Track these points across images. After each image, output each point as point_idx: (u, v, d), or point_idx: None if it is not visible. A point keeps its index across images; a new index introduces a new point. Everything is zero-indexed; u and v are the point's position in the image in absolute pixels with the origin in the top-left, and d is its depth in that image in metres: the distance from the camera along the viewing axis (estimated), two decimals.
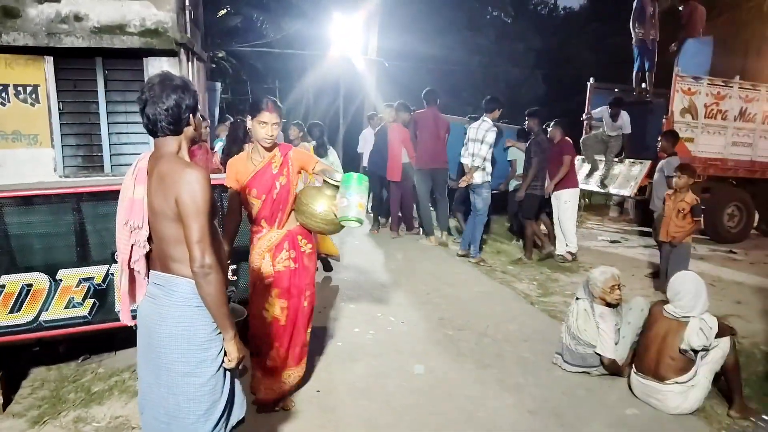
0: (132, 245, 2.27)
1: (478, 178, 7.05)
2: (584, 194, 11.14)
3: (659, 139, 7.14)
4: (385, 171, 8.52)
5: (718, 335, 3.49)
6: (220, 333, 2.19)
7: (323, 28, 16.15)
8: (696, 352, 3.45)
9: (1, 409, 3.58)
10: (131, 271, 2.32)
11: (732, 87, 9.31)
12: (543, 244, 7.68)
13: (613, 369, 3.92)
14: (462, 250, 7.52)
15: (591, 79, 10.94)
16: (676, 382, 3.45)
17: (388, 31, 16.04)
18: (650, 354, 3.60)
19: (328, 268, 6.28)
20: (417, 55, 18.22)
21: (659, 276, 6.26)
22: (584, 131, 10.54)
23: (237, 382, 2.35)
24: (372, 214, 9.09)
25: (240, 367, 2.25)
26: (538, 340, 4.65)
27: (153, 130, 2.16)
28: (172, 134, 2.16)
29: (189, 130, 2.22)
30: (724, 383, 3.65)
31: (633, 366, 3.77)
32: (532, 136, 7.36)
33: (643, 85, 10.39)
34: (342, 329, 4.87)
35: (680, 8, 9.92)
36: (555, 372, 4.09)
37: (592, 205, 12.44)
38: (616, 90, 10.99)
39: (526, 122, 7.41)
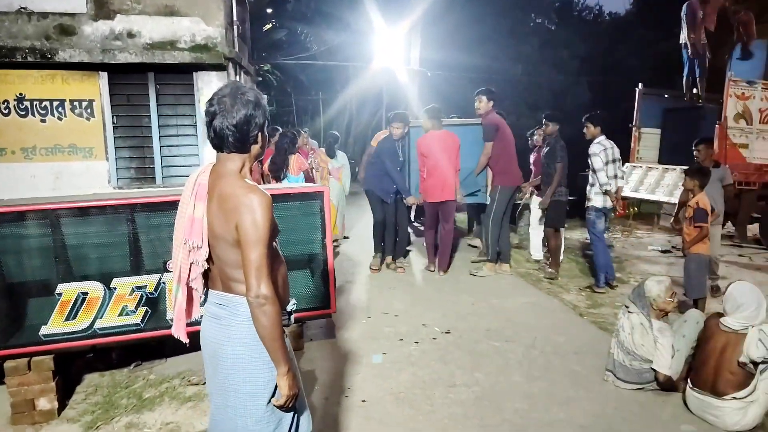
0: (191, 264, 2.20)
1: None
2: (633, 203, 10.89)
3: (696, 147, 6.27)
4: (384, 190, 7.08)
5: None
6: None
7: (366, 40, 16.33)
8: (756, 365, 3.31)
9: (56, 413, 3.68)
10: (189, 288, 2.28)
11: None
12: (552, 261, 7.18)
13: (668, 385, 3.79)
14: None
15: (640, 84, 10.70)
16: (735, 398, 3.30)
17: (430, 41, 16.07)
18: (708, 369, 3.47)
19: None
20: (459, 64, 18.20)
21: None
22: (632, 139, 10.32)
23: (303, 395, 2.27)
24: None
25: (289, 404, 2.10)
26: (588, 352, 4.54)
27: (219, 144, 2.07)
28: (237, 151, 2.06)
29: (255, 149, 2.11)
30: None
31: (689, 381, 3.63)
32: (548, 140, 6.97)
33: (695, 90, 10.11)
34: (387, 339, 4.86)
35: (732, 13, 9.64)
36: (606, 386, 3.98)
37: (642, 213, 12.10)
38: (666, 96, 10.74)
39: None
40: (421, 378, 4.12)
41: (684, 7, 9.75)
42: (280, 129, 9.68)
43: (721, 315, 3.60)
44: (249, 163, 2.11)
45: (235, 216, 1.97)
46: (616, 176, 6.30)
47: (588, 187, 6.41)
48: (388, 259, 7.29)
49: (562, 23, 26.26)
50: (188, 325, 2.40)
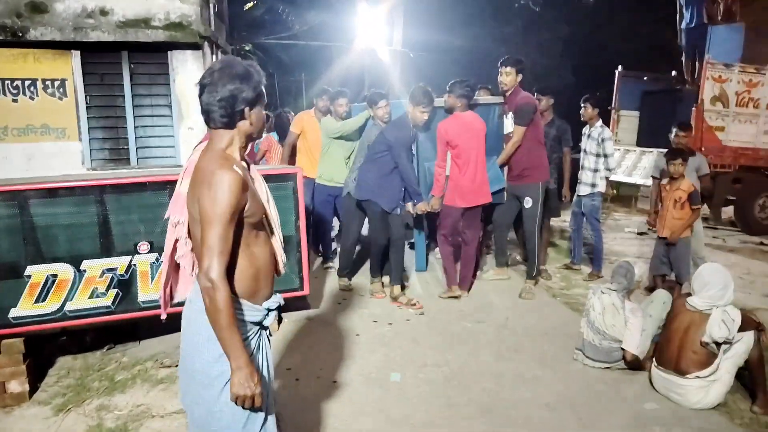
0: (176, 240, 2.19)
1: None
2: (612, 185, 11.00)
3: (682, 131, 6.04)
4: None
5: (743, 329, 3.41)
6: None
7: (348, 19, 16.16)
8: (718, 344, 3.38)
9: (27, 396, 3.67)
10: (177, 265, 2.27)
11: (765, 74, 9.07)
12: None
13: (635, 365, 3.86)
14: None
15: (619, 67, 10.74)
16: (698, 377, 3.38)
17: (413, 21, 15.96)
18: (672, 348, 3.54)
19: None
20: (442, 45, 18.08)
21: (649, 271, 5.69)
22: (611, 122, 10.38)
23: (269, 399, 2.09)
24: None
25: (243, 405, 1.91)
26: (558, 333, 4.61)
27: (206, 120, 2.00)
28: (224, 127, 1.97)
29: (244, 125, 2.00)
30: (748, 378, 3.57)
31: (654, 360, 3.71)
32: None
33: (673, 73, 10.22)
34: (361, 321, 4.90)
35: None
36: (574, 366, 4.05)
37: (620, 196, 12.23)
38: (645, 78, 10.80)
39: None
40: (392, 359, 4.16)
41: None
42: (276, 110, 9.68)
43: (689, 295, 3.67)
44: (238, 140, 2.01)
45: (199, 191, 1.89)
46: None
47: (589, 173, 6.20)
48: (395, 289, 5.46)
49: (546, 5, 26.18)
50: (158, 306, 2.37)
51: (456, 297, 5.43)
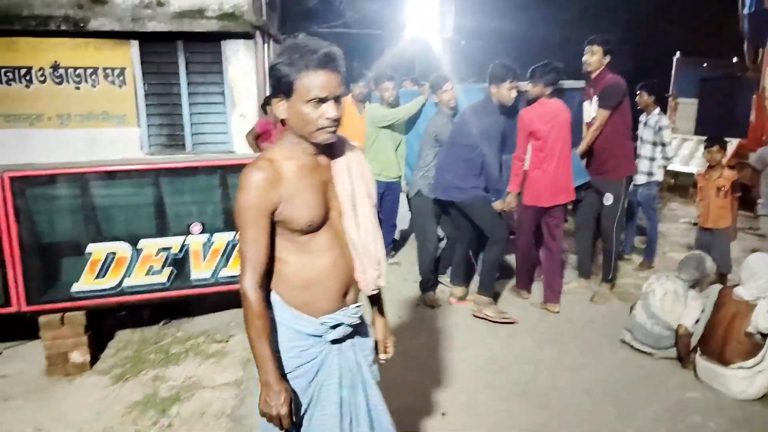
0: None
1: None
2: (670, 174, 10.71)
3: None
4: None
5: None
6: (299, 367, 1.82)
7: (400, 7, 16.15)
8: (763, 335, 3.31)
9: (88, 366, 3.91)
10: None
11: None
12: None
13: (684, 342, 3.72)
14: None
15: (677, 53, 10.41)
16: (741, 367, 3.32)
17: (464, 8, 15.84)
18: (716, 337, 3.49)
19: None
20: (495, 32, 17.88)
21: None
22: (668, 109, 10.09)
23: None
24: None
25: (269, 419, 1.74)
26: (603, 323, 4.56)
27: None
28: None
29: (281, 107, 1.71)
30: None
31: (699, 349, 3.65)
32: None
33: (734, 59, 9.83)
34: (406, 305, 4.97)
35: None
36: (617, 355, 4.02)
37: (677, 186, 11.87)
38: (704, 65, 10.44)
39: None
40: (434, 341, 4.23)
41: None
42: None
43: (736, 285, 3.60)
44: (287, 134, 1.77)
45: None
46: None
47: (646, 162, 5.98)
48: (459, 290, 5.03)
49: None
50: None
51: (556, 312, 4.77)
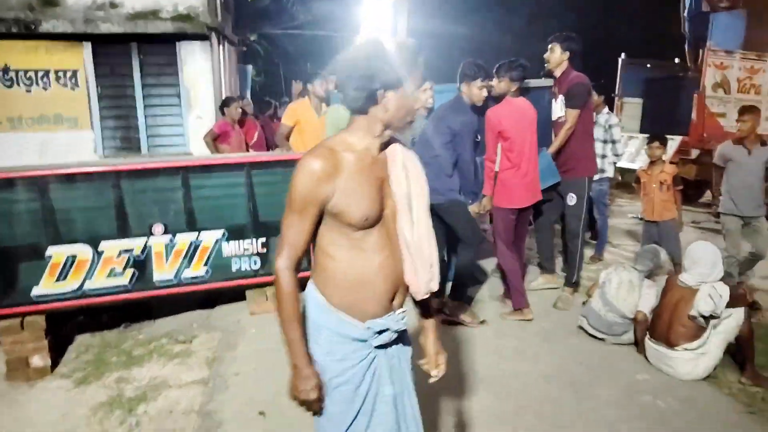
0: None
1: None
2: (618, 171, 11.10)
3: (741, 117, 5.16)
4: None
5: (734, 305, 3.55)
6: (344, 372, 1.76)
7: (353, 9, 16.22)
8: (706, 319, 3.53)
9: (49, 370, 3.87)
10: None
11: (766, 61, 9.15)
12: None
13: (642, 328, 3.89)
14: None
15: (622, 54, 10.82)
16: (686, 349, 3.53)
17: (418, 11, 16.00)
18: (663, 321, 3.70)
19: None
20: (447, 35, 18.13)
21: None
22: (615, 109, 10.47)
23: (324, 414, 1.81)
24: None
25: (298, 404, 1.76)
26: (558, 312, 4.77)
27: (344, 101, 1.78)
28: (357, 112, 1.74)
29: (380, 112, 1.71)
30: (737, 352, 3.72)
31: (648, 333, 3.85)
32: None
33: (676, 60, 10.31)
34: None
35: None
36: (571, 341, 4.20)
37: (624, 182, 12.32)
38: (648, 66, 10.88)
39: None
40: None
41: None
42: (272, 100, 9.78)
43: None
44: (372, 128, 1.74)
45: None
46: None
47: (598, 159, 5.85)
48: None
49: None
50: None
51: (529, 320, 4.60)
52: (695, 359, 3.53)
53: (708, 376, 3.59)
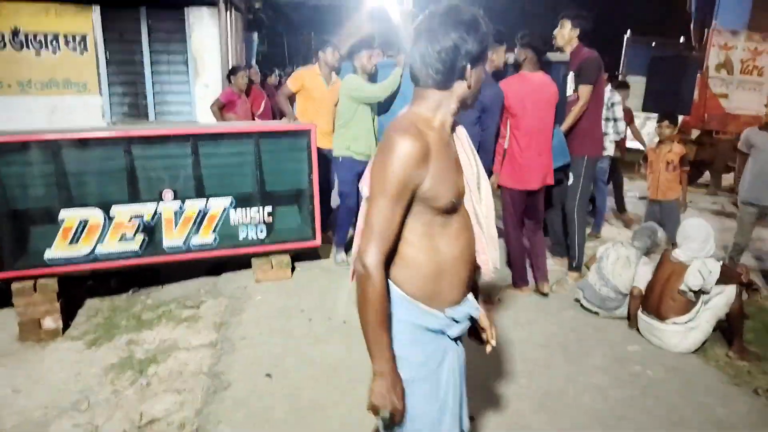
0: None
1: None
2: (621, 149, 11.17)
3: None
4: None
5: (725, 282, 3.66)
6: (420, 367, 1.65)
7: None
8: (696, 293, 3.66)
9: (60, 332, 3.99)
10: None
11: None
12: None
13: (636, 303, 4.01)
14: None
15: (628, 32, 10.79)
16: (675, 323, 3.68)
17: None
18: (654, 294, 3.84)
19: None
20: (453, 6, 17.97)
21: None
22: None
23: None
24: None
25: (388, 421, 1.58)
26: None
27: (415, 75, 1.62)
28: (435, 86, 1.59)
29: (461, 88, 1.60)
30: (726, 328, 3.84)
31: (641, 305, 3.99)
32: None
33: (681, 39, 10.30)
34: None
35: None
36: (566, 313, 4.34)
37: (625, 161, 12.37)
38: (653, 44, 10.86)
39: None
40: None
41: None
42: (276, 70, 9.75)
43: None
44: (447, 105, 1.62)
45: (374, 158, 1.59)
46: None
47: None
48: None
49: None
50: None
51: (545, 294, 4.59)
52: (684, 332, 3.67)
53: (696, 349, 3.73)
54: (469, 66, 1.57)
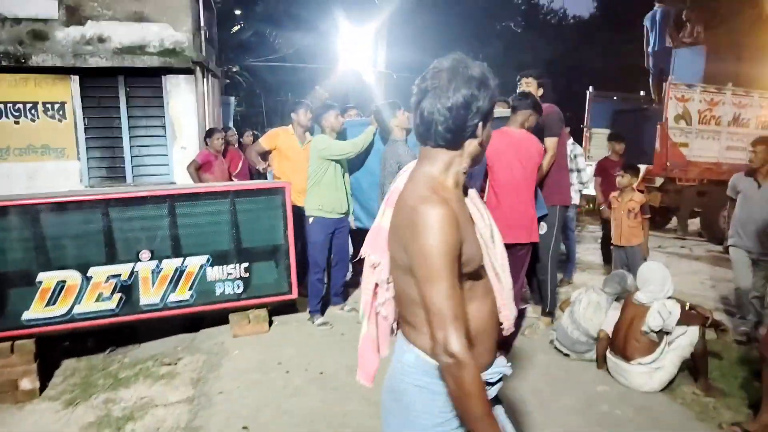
0: (375, 284, 1.75)
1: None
2: (588, 199, 11.49)
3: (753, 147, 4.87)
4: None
5: (688, 324, 3.81)
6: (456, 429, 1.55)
7: (333, 41, 16.66)
8: (658, 333, 3.80)
9: (37, 393, 3.99)
10: (377, 315, 1.79)
11: (725, 93, 9.64)
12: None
13: (603, 345, 4.11)
14: None
15: (590, 87, 11.28)
16: (640, 363, 3.80)
17: (396, 43, 16.48)
18: (620, 336, 3.97)
19: None
20: (425, 66, 18.55)
21: None
22: (583, 139, 10.89)
23: None
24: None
25: None
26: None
27: (423, 134, 1.55)
28: (445, 146, 1.53)
29: (472, 145, 1.55)
30: (692, 366, 3.95)
31: (609, 347, 4.10)
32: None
33: (641, 93, 10.82)
34: (345, 322, 5.25)
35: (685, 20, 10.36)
36: (537, 358, 4.43)
37: (592, 210, 12.73)
38: (615, 98, 11.35)
39: None
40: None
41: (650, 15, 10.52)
42: (250, 130, 10.04)
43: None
44: (459, 164, 1.57)
45: (402, 233, 1.49)
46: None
47: None
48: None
49: (527, 26, 26.95)
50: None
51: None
52: (649, 373, 3.79)
53: (663, 388, 3.83)
54: (480, 123, 1.52)
